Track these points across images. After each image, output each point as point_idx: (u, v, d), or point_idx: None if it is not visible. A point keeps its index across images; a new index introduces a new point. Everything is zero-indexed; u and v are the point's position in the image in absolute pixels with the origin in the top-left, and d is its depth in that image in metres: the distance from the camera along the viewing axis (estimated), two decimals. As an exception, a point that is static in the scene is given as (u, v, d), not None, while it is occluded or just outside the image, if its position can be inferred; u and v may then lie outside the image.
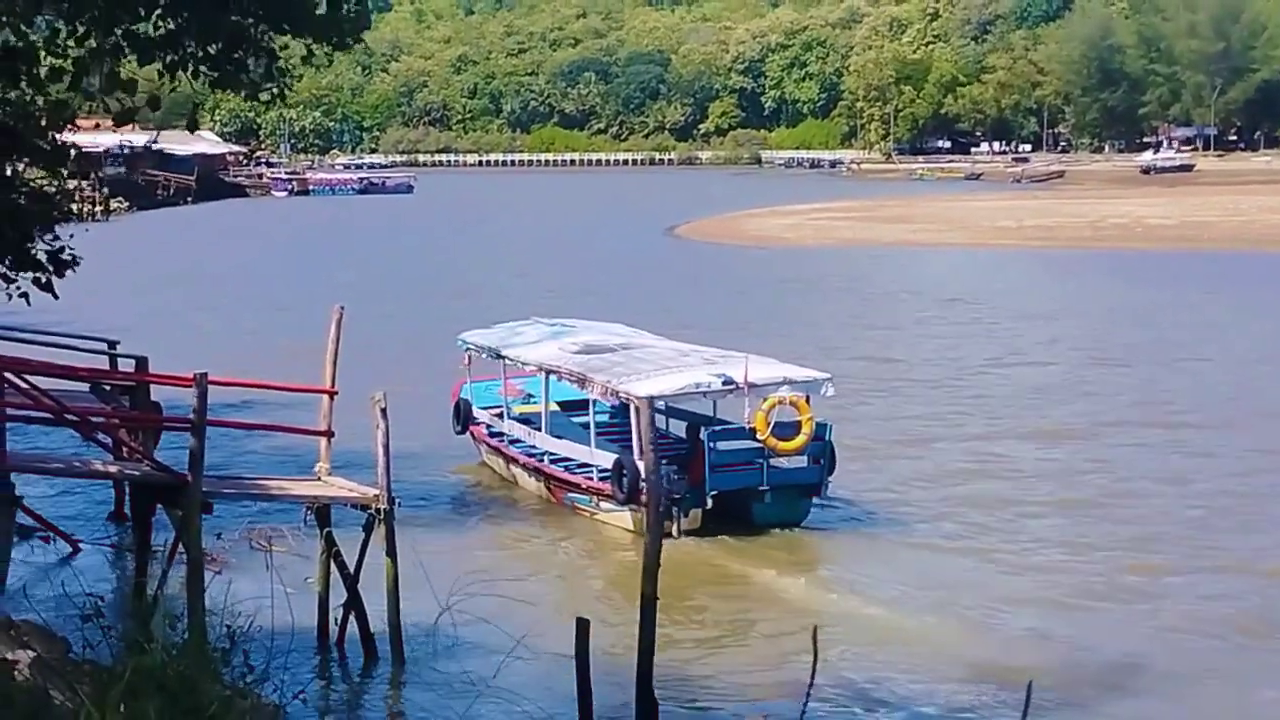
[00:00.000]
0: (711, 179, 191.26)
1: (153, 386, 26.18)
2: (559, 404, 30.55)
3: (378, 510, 20.61)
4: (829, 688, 17.53)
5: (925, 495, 28.57)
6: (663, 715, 15.68)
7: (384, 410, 21.07)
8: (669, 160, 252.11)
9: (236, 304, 61.23)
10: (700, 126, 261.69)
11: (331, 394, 22.70)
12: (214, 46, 11.26)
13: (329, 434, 22.45)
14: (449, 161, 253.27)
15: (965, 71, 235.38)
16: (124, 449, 22.71)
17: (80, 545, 24.38)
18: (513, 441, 30.05)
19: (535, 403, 30.74)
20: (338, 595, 20.54)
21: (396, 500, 20.61)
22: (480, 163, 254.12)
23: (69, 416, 22.81)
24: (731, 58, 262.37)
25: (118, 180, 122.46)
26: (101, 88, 11.24)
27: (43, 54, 11.83)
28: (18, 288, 15.62)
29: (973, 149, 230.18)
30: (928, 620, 21.58)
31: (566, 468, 28.21)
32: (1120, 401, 37.48)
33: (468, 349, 31.65)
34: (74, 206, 18.33)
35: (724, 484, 26.14)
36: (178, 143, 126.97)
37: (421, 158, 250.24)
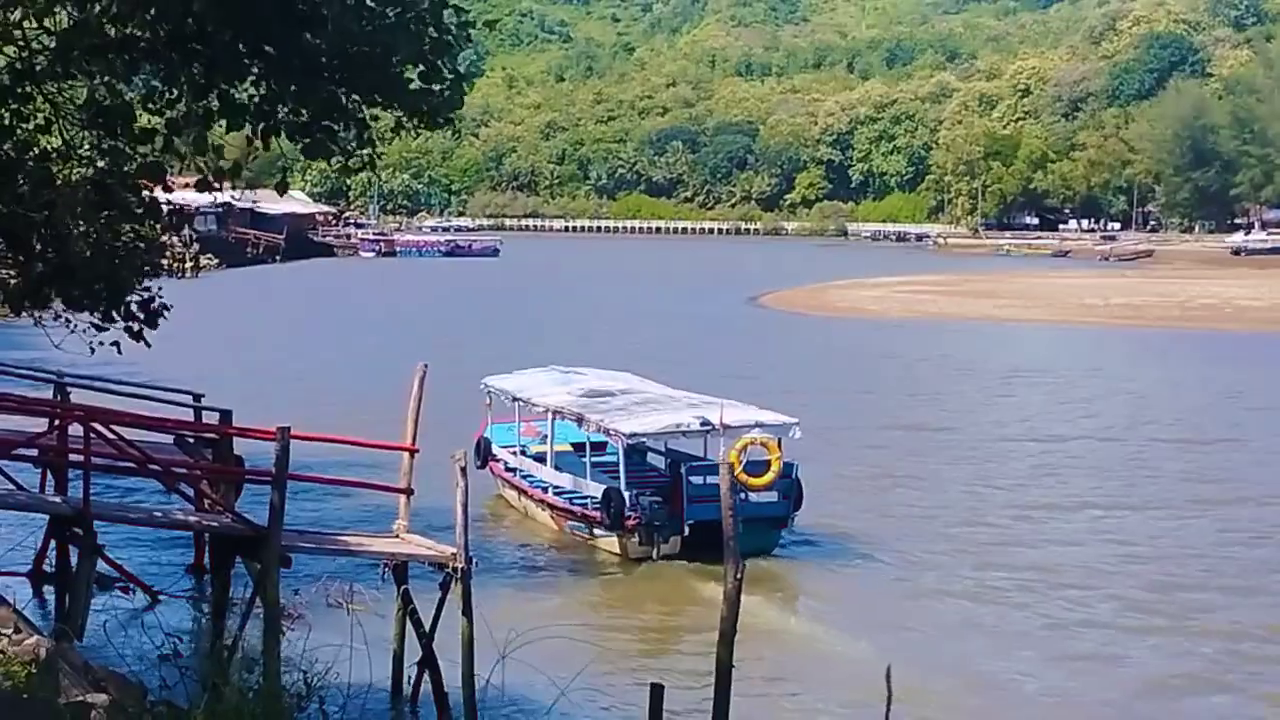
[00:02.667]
0: (797, 250, 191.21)
1: (235, 440, 26.50)
2: (572, 445, 33.77)
3: (454, 569, 20.67)
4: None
5: (935, 548, 30.67)
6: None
7: (463, 469, 21.16)
8: (754, 230, 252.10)
9: (320, 360, 61.76)
10: (787, 197, 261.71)
11: (412, 451, 22.85)
12: (305, 114, 11.37)
13: (408, 491, 22.58)
14: (535, 226, 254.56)
15: (1055, 148, 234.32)
16: (205, 501, 22.94)
17: (160, 596, 24.56)
18: (525, 476, 33.52)
19: (556, 444, 33.57)
20: (413, 653, 20.61)
21: (474, 560, 20.67)
22: (566, 228, 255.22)
23: (153, 467, 23.11)
24: (820, 129, 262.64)
25: (209, 237, 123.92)
26: (191, 150, 11.40)
27: (139, 112, 12.01)
28: (107, 338, 15.86)
29: (1061, 226, 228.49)
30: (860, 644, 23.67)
31: (569, 499, 31.49)
32: (1175, 477, 38.18)
33: (489, 392, 35.30)
34: (164, 262, 18.60)
35: (700, 514, 28.69)
36: (268, 202, 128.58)
37: (508, 222, 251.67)
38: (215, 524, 21.94)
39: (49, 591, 25.02)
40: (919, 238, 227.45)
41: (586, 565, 29.93)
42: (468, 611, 20.08)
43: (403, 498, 22.70)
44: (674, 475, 30.80)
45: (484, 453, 34.56)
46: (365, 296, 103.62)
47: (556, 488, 32.17)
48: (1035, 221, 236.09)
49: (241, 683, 5.95)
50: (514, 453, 34.55)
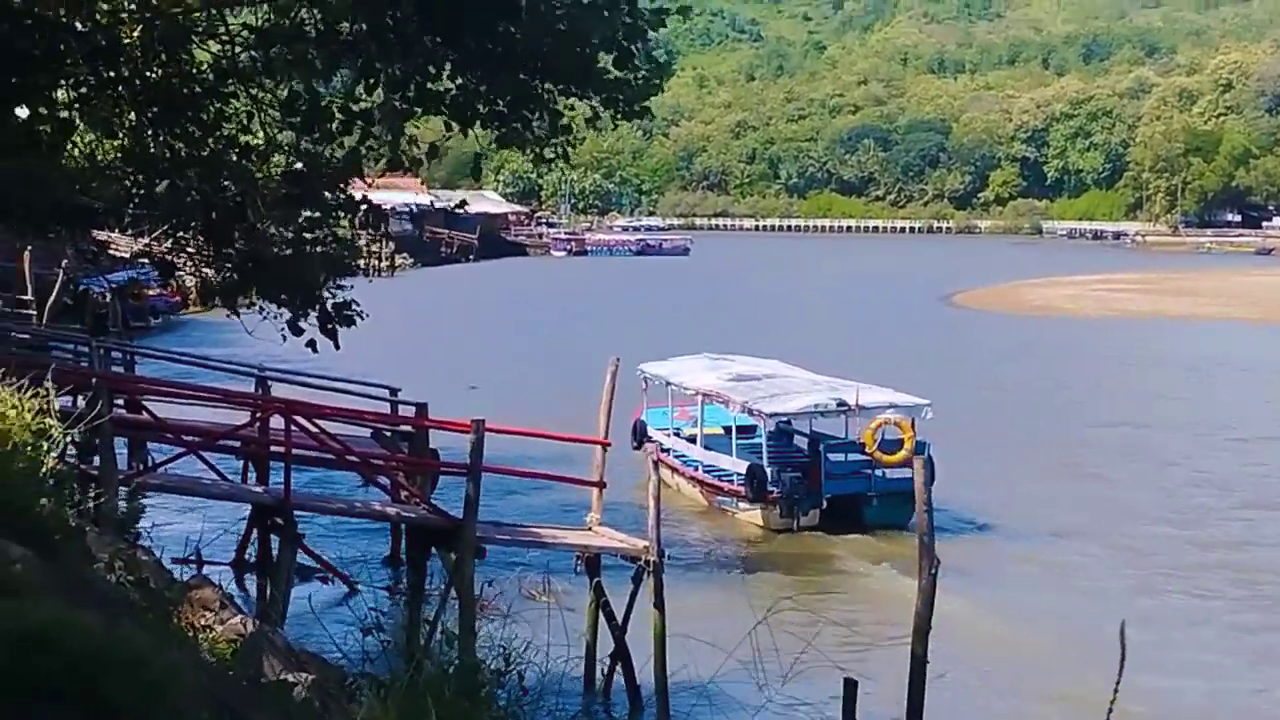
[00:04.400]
0: (990, 248, 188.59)
1: (430, 435, 26.86)
2: (723, 428, 35.75)
3: (647, 562, 20.73)
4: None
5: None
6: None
7: (655, 463, 21.21)
8: (947, 228, 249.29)
9: (512, 355, 62.40)
10: (980, 195, 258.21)
11: (605, 445, 22.97)
12: (500, 104, 11.44)
13: (601, 484, 22.72)
14: (725, 225, 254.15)
15: (1259, 144, 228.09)
16: (402, 492, 23.29)
17: (357, 587, 24.94)
18: (677, 456, 35.52)
19: (705, 426, 36.00)
20: (606, 645, 20.71)
21: (665, 553, 20.69)
22: (756, 227, 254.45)
23: (352, 459, 23.53)
24: (1014, 126, 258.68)
25: (404, 237, 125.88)
26: (388, 139, 11.52)
27: (334, 110, 12.19)
28: (302, 338, 16.10)
29: (1264, 223, 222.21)
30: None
31: (717, 476, 33.87)
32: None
33: (644, 378, 37.85)
34: (361, 263, 18.87)
35: (837, 489, 32.08)
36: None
37: (698, 221, 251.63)
38: (412, 515, 22.27)
39: (250, 581, 25.64)
40: (1116, 236, 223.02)
41: (747, 549, 31.20)
42: (660, 604, 20.15)
43: (595, 490, 22.87)
44: (813, 453, 33.34)
45: (640, 434, 36.28)
46: (557, 294, 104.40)
47: (706, 465, 34.45)
48: (1237, 219, 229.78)
49: (441, 656, 6.00)
50: (667, 434, 36.46)
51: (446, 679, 5.60)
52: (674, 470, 34.80)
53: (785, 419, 34.15)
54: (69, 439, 11.74)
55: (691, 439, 36.28)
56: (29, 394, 9.60)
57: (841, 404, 32.90)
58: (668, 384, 37.14)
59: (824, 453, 32.85)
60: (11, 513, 7.32)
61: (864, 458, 32.66)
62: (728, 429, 35.31)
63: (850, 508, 31.97)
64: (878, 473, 32.21)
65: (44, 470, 9.13)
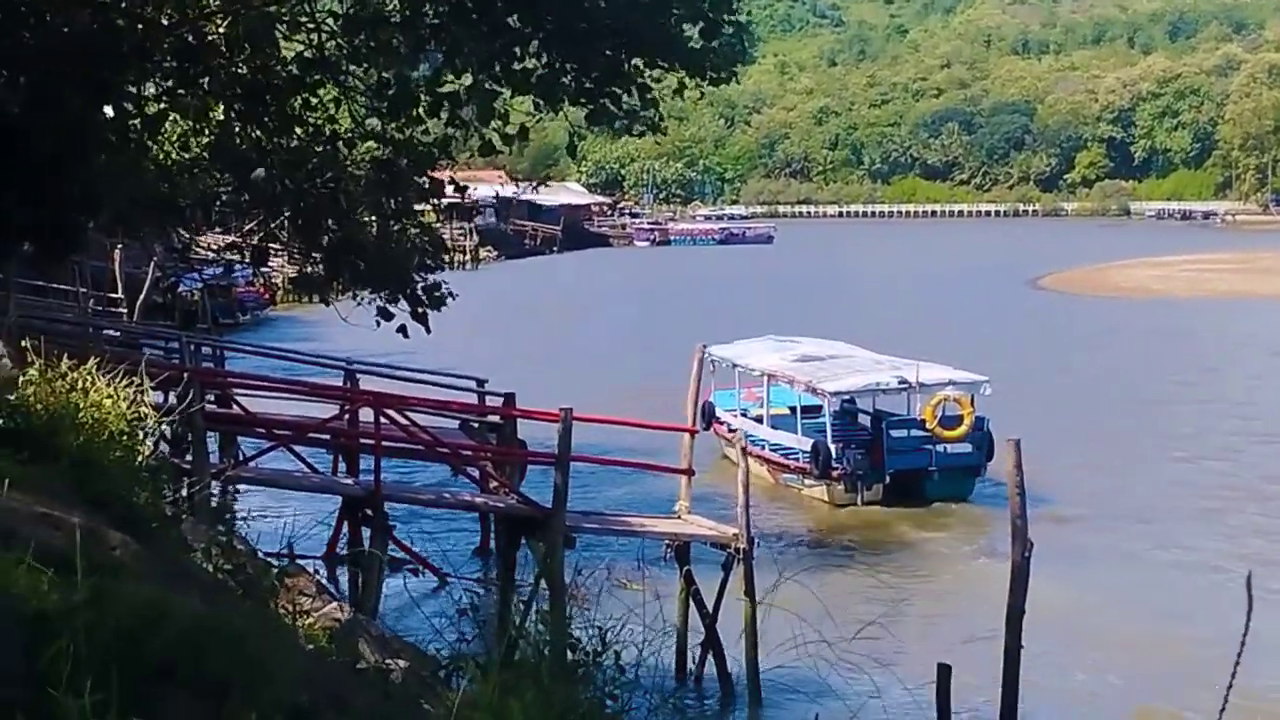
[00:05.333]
0: (1078, 230, 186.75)
1: (518, 426, 26.92)
2: (789, 409, 36.58)
3: (736, 550, 20.69)
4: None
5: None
6: None
7: (744, 450, 21.16)
8: (1033, 211, 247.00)
9: (596, 345, 62.50)
10: (1066, 177, 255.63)
11: (693, 432, 22.96)
12: (588, 80, 11.42)
13: (689, 472, 22.70)
14: (809, 213, 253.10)
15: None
16: (491, 483, 23.37)
17: (448, 579, 25.01)
18: (745, 436, 34.27)
19: (771, 407, 37.10)
20: (696, 635, 20.70)
21: (755, 540, 20.63)
22: (840, 214, 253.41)
23: (441, 450, 23.64)
24: (1100, 107, 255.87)
25: (488, 229, 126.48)
26: (477, 117, 11.50)
27: (421, 94, 12.22)
28: (393, 326, 16.17)
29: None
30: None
31: (783, 454, 34.82)
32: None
33: (712, 360, 36.47)
34: (446, 257, 18.96)
35: (899, 464, 33.15)
36: (545, 194, 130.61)
37: (782, 209, 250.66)
38: (501, 505, 22.36)
39: (343, 575, 25.79)
40: (1205, 216, 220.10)
41: (815, 526, 32.21)
42: (750, 592, 20.10)
43: (684, 478, 22.85)
44: (876, 429, 34.46)
45: (708, 415, 36.81)
46: (640, 283, 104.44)
47: (773, 444, 35.42)
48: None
49: (536, 636, 6.01)
50: (735, 415, 37.51)
51: (543, 658, 5.59)
52: (742, 450, 35.77)
53: (848, 397, 35.12)
54: (162, 430, 11.88)
55: (758, 419, 37.03)
56: (124, 384, 9.69)
57: (902, 381, 34.17)
58: (734, 366, 38.06)
59: (886, 429, 33.98)
60: (109, 501, 7.39)
61: (925, 433, 33.57)
62: (793, 409, 36.24)
63: (912, 482, 33.18)
64: (938, 448, 33.44)
65: (139, 460, 9.24)
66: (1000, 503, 30.03)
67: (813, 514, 32.30)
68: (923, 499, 32.87)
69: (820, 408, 35.04)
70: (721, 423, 37.79)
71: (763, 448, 34.95)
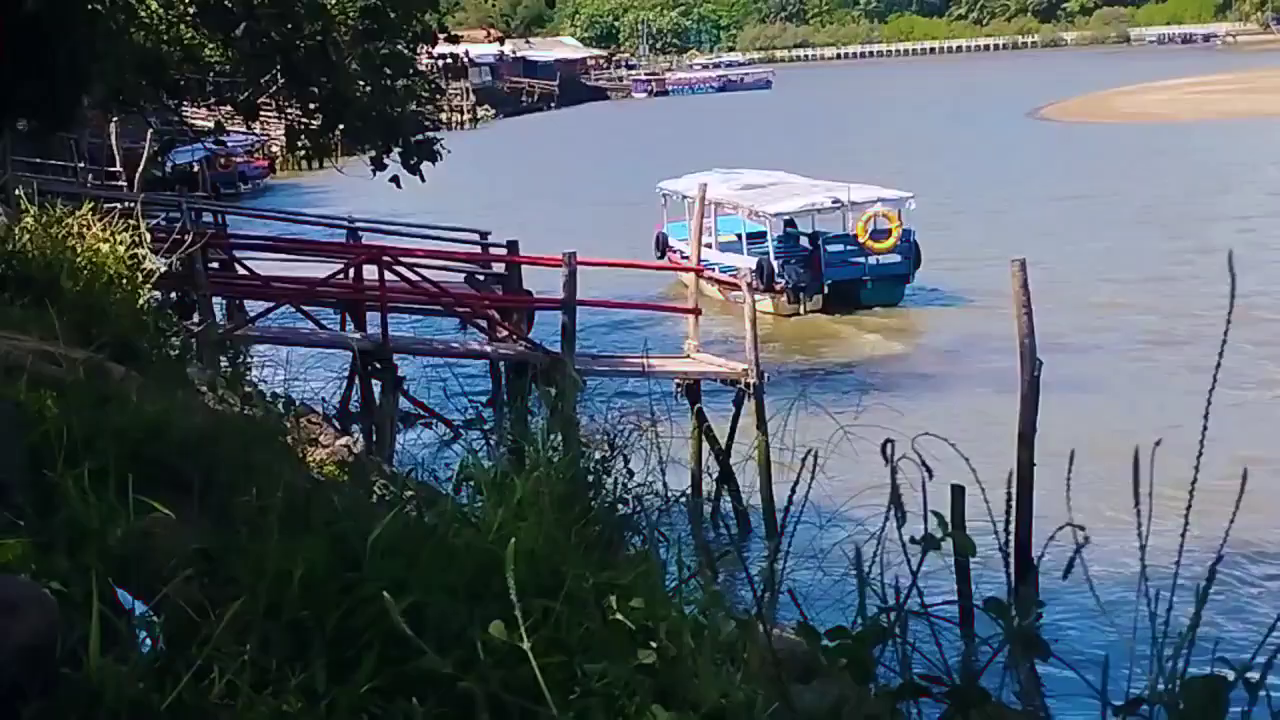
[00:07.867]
0: (1078, 59, 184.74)
1: (522, 278, 26.87)
2: (736, 235, 39.62)
3: (747, 385, 20.74)
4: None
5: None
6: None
7: (749, 284, 21.13)
8: (1032, 43, 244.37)
9: (596, 194, 62.24)
10: (1064, 6, 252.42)
11: (698, 272, 22.91)
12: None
13: (697, 311, 22.70)
14: (806, 56, 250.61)
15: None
16: (499, 331, 23.39)
17: (460, 431, 25.07)
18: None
19: (720, 234, 39.46)
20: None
21: (765, 375, 20.66)
22: (838, 56, 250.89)
23: (447, 300, 23.63)
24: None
25: (484, 88, 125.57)
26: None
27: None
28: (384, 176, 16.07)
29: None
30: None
31: (730, 274, 36.02)
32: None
33: (664, 194, 42.43)
34: (444, 116, 18.76)
35: (836, 275, 36.55)
36: (540, 49, 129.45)
37: (779, 54, 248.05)
38: (510, 353, 22.40)
39: (355, 432, 25.87)
40: (1206, 38, 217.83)
41: (780, 340, 33.68)
42: (762, 425, 20.14)
43: (691, 318, 22.85)
44: (814, 246, 37.78)
45: (663, 246, 41.77)
46: (639, 133, 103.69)
47: (723, 267, 37.16)
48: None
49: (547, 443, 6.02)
50: (686, 244, 38.19)
51: (553, 466, 5.60)
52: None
53: (788, 218, 38.79)
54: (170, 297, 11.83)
55: (708, 245, 37.73)
56: (120, 228, 9.65)
57: (836, 201, 37.75)
58: (684, 198, 38.83)
59: (822, 244, 37.49)
60: (111, 343, 7.37)
61: (857, 247, 36.99)
62: (739, 235, 39.46)
63: (848, 291, 36.64)
64: (870, 259, 36.79)
65: (140, 303, 9.22)
66: (926, 303, 36.95)
67: (762, 326, 32.39)
68: (858, 305, 36.30)
69: (764, 234, 38.08)
70: (675, 252, 39.93)
71: (714, 270, 36.33)
